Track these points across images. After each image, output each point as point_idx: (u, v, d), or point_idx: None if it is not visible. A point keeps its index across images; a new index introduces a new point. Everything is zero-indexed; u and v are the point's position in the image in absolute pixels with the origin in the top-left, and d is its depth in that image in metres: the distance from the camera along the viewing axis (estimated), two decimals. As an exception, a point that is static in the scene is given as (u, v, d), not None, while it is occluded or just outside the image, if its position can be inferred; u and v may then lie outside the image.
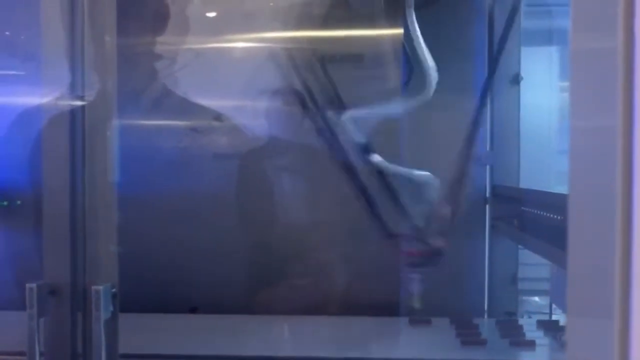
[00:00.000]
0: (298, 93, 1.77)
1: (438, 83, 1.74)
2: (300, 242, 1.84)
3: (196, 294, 1.83)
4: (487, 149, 1.87)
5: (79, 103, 1.28)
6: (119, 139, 1.31)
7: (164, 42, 1.84)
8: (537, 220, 1.46)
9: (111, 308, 1.25)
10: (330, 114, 1.77)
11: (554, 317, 1.79)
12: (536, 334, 1.62)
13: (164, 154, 1.84)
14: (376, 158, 1.72)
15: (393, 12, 1.76)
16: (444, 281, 1.76)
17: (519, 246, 1.86)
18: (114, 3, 1.28)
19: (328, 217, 1.85)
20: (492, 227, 1.89)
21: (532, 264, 1.83)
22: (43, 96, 1.29)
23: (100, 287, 1.23)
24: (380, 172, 1.73)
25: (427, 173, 1.74)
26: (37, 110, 1.29)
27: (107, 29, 1.28)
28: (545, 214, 1.40)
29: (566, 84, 1.91)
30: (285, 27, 1.82)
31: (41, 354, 1.24)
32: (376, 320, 1.74)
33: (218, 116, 1.82)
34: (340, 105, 1.77)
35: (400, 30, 1.76)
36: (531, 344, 1.55)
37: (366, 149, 1.71)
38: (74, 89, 1.28)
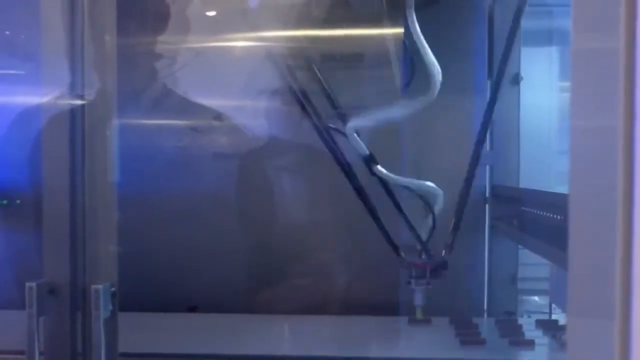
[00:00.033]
0: (298, 93, 1.77)
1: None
2: (300, 242, 1.84)
3: (196, 293, 1.83)
4: (487, 149, 1.87)
5: (79, 103, 1.28)
6: (119, 138, 1.31)
7: (164, 42, 1.84)
8: (537, 220, 1.46)
9: (111, 307, 1.25)
10: (330, 113, 1.77)
11: (553, 317, 1.79)
12: (535, 334, 1.62)
13: (163, 153, 1.84)
14: (379, 169, 1.71)
15: (393, 12, 1.76)
16: (444, 281, 1.76)
17: (519, 246, 1.86)
18: (114, 3, 1.28)
19: (328, 216, 1.85)
20: (492, 227, 1.89)
21: (532, 264, 1.83)
22: (43, 96, 1.29)
23: (100, 286, 1.23)
24: (383, 183, 1.72)
25: (432, 184, 1.73)
26: (37, 110, 1.29)
27: (107, 29, 1.28)
28: (545, 214, 1.40)
29: (566, 84, 1.91)
30: (285, 27, 1.82)
31: (41, 353, 1.24)
32: (376, 319, 1.74)
33: (218, 116, 1.82)
34: (339, 105, 1.77)
35: (401, 30, 1.76)
36: (530, 344, 1.55)
37: (369, 160, 1.70)
38: (74, 89, 1.28)
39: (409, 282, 1.69)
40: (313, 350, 1.53)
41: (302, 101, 1.75)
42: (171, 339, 1.59)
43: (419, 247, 1.72)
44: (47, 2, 1.29)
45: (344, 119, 1.72)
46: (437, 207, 1.73)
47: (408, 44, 1.75)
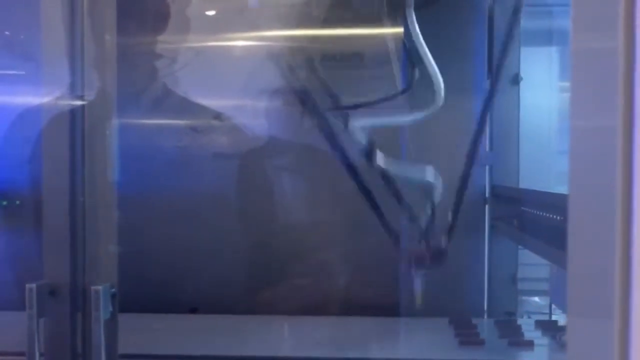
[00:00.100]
0: (297, 92, 1.77)
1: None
2: (300, 242, 1.84)
3: (196, 294, 1.83)
4: (487, 149, 1.87)
5: (79, 103, 1.28)
6: (119, 138, 1.31)
7: (164, 41, 1.84)
8: (537, 221, 1.46)
9: (111, 308, 1.25)
10: (329, 113, 1.77)
11: (553, 318, 1.79)
12: (534, 334, 1.62)
13: (163, 153, 1.84)
14: (379, 156, 1.71)
15: (393, 11, 1.76)
16: (444, 281, 1.76)
17: (519, 246, 1.86)
18: (114, 3, 1.28)
19: (328, 216, 1.85)
20: (491, 227, 1.89)
21: (532, 264, 1.82)
22: (43, 96, 1.29)
23: (100, 287, 1.23)
24: (382, 171, 1.72)
25: (430, 168, 1.73)
26: (37, 110, 1.29)
27: (107, 28, 1.28)
28: (545, 214, 1.40)
29: (566, 84, 1.91)
30: (285, 27, 1.82)
31: (41, 354, 1.24)
32: (375, 320, 1.74)
33: (218, 115, 1.82)
34: (339, 105, 1.77)
35: (401, 30, 1.76)
36: (529, 344, 1.55)
37: (369, 148, 1.71)
38: (74, 89, 1.28)
39: (409, 269, 1.69)
40: (313, 352, 1.52)
41: (302, 97, 1.75)
42: (171, 340, 1.59)
43: (419, 235, 1.72)
44: (47, 2, 1.29)
45: (344, 114, 1.72)
46: (437, 193, 1.72)
47: (408, 45, 1.75)
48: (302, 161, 1.86)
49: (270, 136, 1.83)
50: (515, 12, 1.72)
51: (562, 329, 1.58)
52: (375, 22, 1.82)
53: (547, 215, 1.37)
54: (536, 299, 2.03)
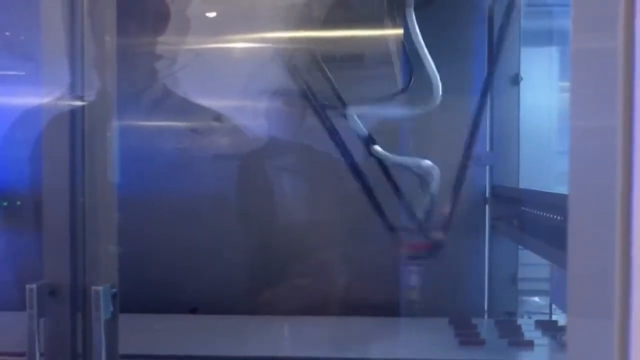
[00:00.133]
0: (297, 93, 1.77)
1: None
2: (300, 243, 1.84)
3: (196, 294, 1.83)
4: (487, 149, 1.87)
5: (79, 103, 1.28)
6: (119, 140, 1.31)
7: (164, 42, 1.84)
8: (537, 221, 1.46)
9: (111, 308, 1.25)
10: (330, 113, 1.77)
11: (553, 318, 1.79)
12: (534, 334, 1.62)
13: (164, 155, 1.84)
14: (377, 149, 1.72)
15: (393, 11, 1.76)
16: (444, 281, 1.76)
17: (519, 246, 1.86)
18: (114, 3, 1.28)
19: (328, 217, 1.85)
20: (492, 227, 1.89)
21: (532, 264, 1.82)
22: (43, 96, 1.29)
23: (100, 288, 1.23)
24: (381, 163, 1.73)
25: (429, 162, 1.74)
26: (37, 110, 1.29)
27: (107, 29, 1.28)
28: (545, 214, 1.40)
29: (566, 84, 1.91)
30: (285, 27, 1.82)
31: (41, 355, 1.24)
32: (375, 320, 1.74)
33: (218, 117, 1.82)
34: (340, 105, 1.77)
35: (401, 31, 1.76)
36: (529, 344, 1.55)
37: (368, 141, 1.72)
38: (74, 89, 1.28)
39: (406, 261, 1.70)
40: (314, 352, 1.52)
41: (305, 95, 1.76)
42: (172, 340, 1.59)
43: (416, 228, 1.72)
44: (47, 2, 1.29)
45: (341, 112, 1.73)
46: (435, 185, 1.73)
47: (407, 46, 1.75)
48: (302, 162, 1.86)
49: (270, 137, 1.83)
50: (515, 12, 1.72)
51: (562, 329, 1.58)
52: (375, 22, 1.82)
53: (547, 215, 1.37)
54: (536, 299, 2.03)
